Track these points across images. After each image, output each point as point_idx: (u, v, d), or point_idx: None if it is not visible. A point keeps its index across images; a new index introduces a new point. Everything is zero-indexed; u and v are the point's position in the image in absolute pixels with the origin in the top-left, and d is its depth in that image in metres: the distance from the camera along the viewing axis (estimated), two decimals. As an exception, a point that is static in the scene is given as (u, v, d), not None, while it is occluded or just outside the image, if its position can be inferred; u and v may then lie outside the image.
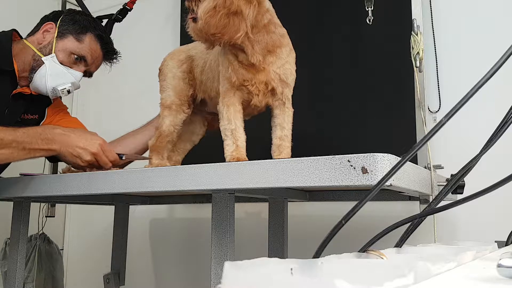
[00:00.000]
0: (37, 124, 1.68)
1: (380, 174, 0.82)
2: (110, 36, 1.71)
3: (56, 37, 1.57)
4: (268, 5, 1.16)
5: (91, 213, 2.67)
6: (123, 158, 1.47)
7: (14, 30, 1.62)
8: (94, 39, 1.60)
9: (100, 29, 1.64)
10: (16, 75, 1.55)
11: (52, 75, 1.54)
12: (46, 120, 1.71)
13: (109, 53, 1.66)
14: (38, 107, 1.69)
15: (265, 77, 1.15)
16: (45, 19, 1.63)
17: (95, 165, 1.42)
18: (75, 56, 1.57)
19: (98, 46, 1.62)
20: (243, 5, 1.07)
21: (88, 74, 1.65)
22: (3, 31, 1.61)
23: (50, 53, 1.55)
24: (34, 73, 1.55)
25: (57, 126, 1.48)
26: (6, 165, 1.69)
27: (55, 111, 1.74)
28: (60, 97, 1.63)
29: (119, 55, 1.70)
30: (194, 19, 1.13)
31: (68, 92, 1.59)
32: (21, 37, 1.63)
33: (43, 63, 1.54)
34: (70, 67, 1.57)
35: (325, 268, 0.38)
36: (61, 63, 1.56)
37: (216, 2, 1.05)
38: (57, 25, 1.58)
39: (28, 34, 1.64)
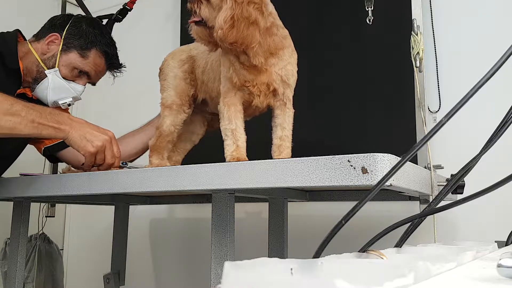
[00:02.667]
0: None
1: (380, 174, 0.82)
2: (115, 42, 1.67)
3: (61, 50, 1.55)
4: (271, 8, 1.16)
5: (91, 213, 2.67)
6: (127, 165, 1.42)
7: (18, 31, 1.61)
8: (99, 54, 1.59)
9: (106, 43, 1.60)
10: (21, 74, 1.55)
11: (54, 89, 1.54)
12: None
13: (113, 66, 1.65)
14: None
15: (267, 78, 1.15)
16: (51, 27, 1.60)
17: (97, 158, 1.35)
18: (78, 70, 1.56)
19: (103, 61, 1.60)
20: (259, 15, 1.08)
21: (91, 83, 1.65)
22: (7, 32, 1.60)
23: (53, 66, 1.54)
24: (37, 84, 1.55)
25: (63, 112, 1.44)
26: (8, 165, 1.69)
27: None
28: None
29: (123, 67, 1.68)
30: (197, 22, 1.13)
31: (69, 105, 1.59)
32: (24, 38, 1.63)
33: (46, 76, 1.53)
34: (73, 81, 1.57)
35: (325, 268, 0.38)
36: (64, 77, 1.55)
37: (233, 12, 1.05)
38: (62, 37, 1.56)
39: (34, 36, 1.62)
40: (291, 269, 0.36)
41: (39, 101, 1.60)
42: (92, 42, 1.57)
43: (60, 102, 1.56)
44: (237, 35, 1.05)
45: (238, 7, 1.05)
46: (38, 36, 1.61)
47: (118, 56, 1.66)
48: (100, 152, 1.35)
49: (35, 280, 2.13)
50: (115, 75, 1.69)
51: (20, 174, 1.54)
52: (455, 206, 0.56)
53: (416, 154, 0.82)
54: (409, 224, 0.63)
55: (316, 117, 1.91)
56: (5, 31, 1.61)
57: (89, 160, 1.35)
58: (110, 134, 1.38)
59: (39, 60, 1.55)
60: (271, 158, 1.17)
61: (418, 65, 1.47)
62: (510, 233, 0.80)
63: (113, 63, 1.64)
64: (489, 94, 1.52)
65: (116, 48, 1.66)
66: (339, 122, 1.88)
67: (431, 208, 0.68)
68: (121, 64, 1.68)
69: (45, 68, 1.54)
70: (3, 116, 1.24)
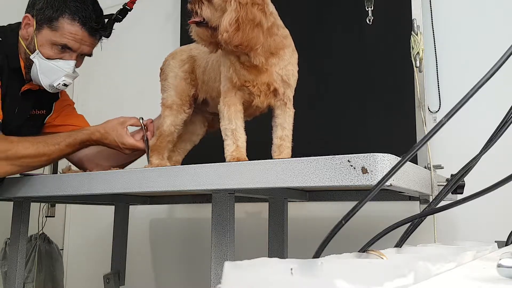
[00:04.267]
0: (44, 119, 1.67)
1: (380, 174, 0.82)
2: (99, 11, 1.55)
3: (35, 30, 1.47)
4: (271, 8, 1.16)
5: (91, 213, 2.67)
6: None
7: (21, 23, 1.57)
8: (69, 22, 1.45)
9: (75, 8, 1.46)
10: (23, 72, 1.52)
11: (43, 73, 1.48)
12: (53, 114, 1.69)
13: (94, 31, 1.50)
14: (45, 102, 1.67)
15: (268, 78, 1.15)
16: (26, 10, 1.53)
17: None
18: (59, 46, 1.47)
19: (78, 27, 1.46)
20: (263, 16, 1.08)
21: (86, 55, 1.55)
22: (9, 25, 1.56)
23: (35, 49, 1.48)
24: (30, 72, 1.51)
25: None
26: None
27: (62, 106, 1.73)
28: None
29: (107, 30, 1.55)
30: (198, 23, 1.12)
31: (65, 85, 1.52)
32: None
33: (33, 62, 1.48)
34: (60, 58, 1.48)
35: (325, 268, 0.38)
36: (48, 58, 1.47)
37: (238, 14, 1.05)
38: (34, 16, 1.48)
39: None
40: (291, 269, 0.36)
41: (43, 91, 1.57)
42: (57, 10, 1.45)
43: (55, 85, 1.50)
44: (242, 37, 1.05)
45: (243, 9, 1.05)
46: (22, 22, 1.54)
47: (96, 18, 1.51)
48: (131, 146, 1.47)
49: (35, 280, 2.13)
50: (100, 39, 1.56)
51: (20, 174, 1.54)
52: (455, 206, 0.56)
53: (416, 154, 0.82)
54: (409, 224, 0.63)
55: (316, 117, 1.91)
56: (10, 25, 1.57)
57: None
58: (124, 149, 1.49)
59: (25, 47, 1.51)
60: (271, 158, 1.17)
61: (418, 65, 1.47)
62: (510, 233, 0.80)
63: (92, 27, 1.49)
64: (489, 94, 1.51)
65: (93, 10, 1.50)
66: (339, 122, 1.88)
67: (431, 208, 0.68)
68: (104, 25, 1.54)
69: (30, 53, 1.49)
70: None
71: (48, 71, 1.49)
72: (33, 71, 1.50)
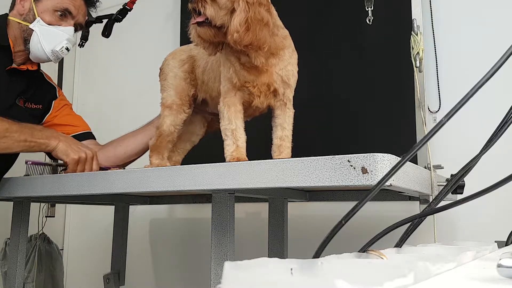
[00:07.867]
0: (43, 115, 1.70)
1: (380, 174, 0.82)
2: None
3: (33, 1, 1.57)
4: (272, 8, 1.16)
5: (91, 213, 2.67)
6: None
7: (7, 14, 1.64)
8: None
9: None
10: (12, 51, 1.57)
11: (45, 39, 1.55)
12: (51, 113, 1.72)
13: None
14: (42, 97, 1.70)
15: (268, 78, 1.15)
16: None
17: (78, 168, 1.48)
18: (59, 12, 1.57)
19: None
20: (268, 15, 1.09)
21: (78, 25, 1.64)
22: None
23: (34, 18, 1.56)
24: (29, 43, 1.56)
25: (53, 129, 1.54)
26: (10, 165, 1.69)
27: (60, 106, 1.76)
28: (63, 58, 1.66)
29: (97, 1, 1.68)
30: (200, 23, 1.11)
31: (68, 49, 1.59)
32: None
33: (33, 30, 1.55)
34: (59, 25, 1.57)
35: (325, 268, 0.38)
36: (48, 24, 1.56)
37: (247, 14, 1.05)
38: None
39: (9, 10, 1.65)
40: (291, 269, 0.36)
41: (30, 73, 1.62)
42: None
43: (57, 49, 1.56)
44: (252, 37, 1.06)
45: (251, 9, 1.06)
46: (12, 4, 1.63)
47: None
48: (81, 163, 1.47)
49: (35, 280, 2.13)
50: (95, 6, 1.68)
51: (26, 162, 1.56)
52: (455, 206, 0.56)
53: (416, 154, 0.82)
54: (409, 224, 0.63)
55: (316, 117, 1.91)
56: None
57: (72, 169, 1.47)
58: (93, 151, 1.52)
59: (21, 22, 1.57)
60: (271, 158, 1.17)
61: (418, 65, 1.47)
62: (510, 233, 0.80)
63: None
64: (489, 94, 1.51)
65: None
66: (339, 122, 1.88)
67: (431, 208, 0.68)
68: None
69: (28, 24, 1.56)
70: None
71: (50, 36, 1.56)
72: (33, 41, 1.56)
